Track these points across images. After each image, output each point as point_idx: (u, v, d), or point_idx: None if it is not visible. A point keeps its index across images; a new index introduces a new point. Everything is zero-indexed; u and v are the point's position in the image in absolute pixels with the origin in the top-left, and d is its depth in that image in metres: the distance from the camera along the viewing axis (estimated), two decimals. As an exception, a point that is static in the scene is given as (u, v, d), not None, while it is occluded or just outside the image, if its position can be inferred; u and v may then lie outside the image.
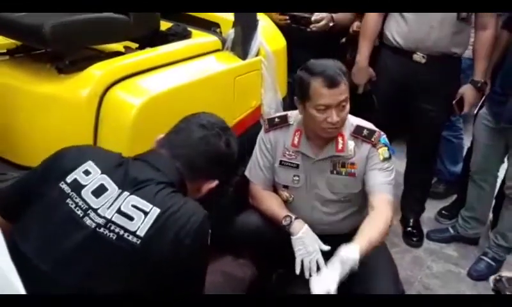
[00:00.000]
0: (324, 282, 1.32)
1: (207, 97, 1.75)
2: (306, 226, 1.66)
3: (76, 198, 1.08)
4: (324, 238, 1.76)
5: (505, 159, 2.30)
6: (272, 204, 1.75)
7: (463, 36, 2.23)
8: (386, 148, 1.67)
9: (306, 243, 1.62)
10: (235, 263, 2.07)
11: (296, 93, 1.65)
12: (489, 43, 2.22)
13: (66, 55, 1.59)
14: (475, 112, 2.45)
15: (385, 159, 1.66)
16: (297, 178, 1.74)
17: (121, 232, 1.04)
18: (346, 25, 2.53)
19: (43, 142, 1.51)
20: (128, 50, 1.79)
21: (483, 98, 2.36)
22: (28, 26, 1.49)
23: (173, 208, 1.08)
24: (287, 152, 1.73)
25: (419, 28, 2.17)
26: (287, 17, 2.37)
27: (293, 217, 1.67)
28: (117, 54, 1.73)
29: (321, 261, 1.57)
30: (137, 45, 1.83)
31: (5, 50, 1.73)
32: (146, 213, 1.06)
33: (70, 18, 1.51)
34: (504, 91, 2.11)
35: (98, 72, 1.52)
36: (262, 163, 1.78)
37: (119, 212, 1.06)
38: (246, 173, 1.83)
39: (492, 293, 1.70)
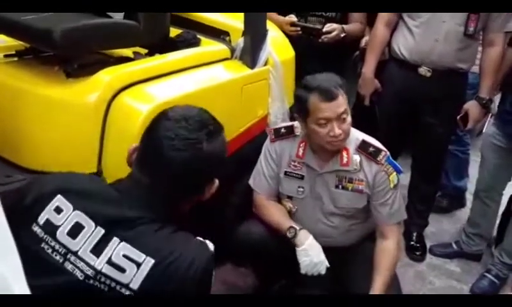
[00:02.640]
0: None
1: (214, 105, 1.71)
2: (311, 237, 1.66)
3: (51, 242, 0.98)
4: (326, 250, 1.77)
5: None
6: (276, 214, 1.75)
7: (469, 51, 2.23)
8: (395, 173, 1.68)
9: (311, 254, 1.62)
10: (236, 272, 2.06)
11: (296, 110, 1.66)
12: (496, 60, 2.22)
13: (75, 59, 1.59)
14: (484, 130, 2.44)
15: (395, 186, 1.69)
16: (301, 189, 1.74)
17: (113, 284, 0.95)
18: (357, 37, 2.54)
19: (49, 145, 1.50)
20: (137, 55, 1.79)
21: (491, 116, 2.36)
22: (38, 30, 1.49)
23: (170, 258, 0.97)
24: (292, 163, 1.73)
25: (424, 41, 2.18)
26: (298, 28, 2.38)
27: (298, 228, 1.67)
28: (126, 59, 1.74)
29: (324, 272, 1.57)
30: (146, 51, 1.83)
31: (14, 52, 1.73)
32: (138, 265, 0.96)
33: (80, 22, 1.52)
34: None
35: (106, 77, 1.51)
36: (267, 172, 1.77)
37: (109, 262, 0.96)
38: (250, 182, 1.83)
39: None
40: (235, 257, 1.99)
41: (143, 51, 1.83)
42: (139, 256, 0.96)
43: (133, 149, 1.12)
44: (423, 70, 2.23)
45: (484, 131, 2.53)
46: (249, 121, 1.95)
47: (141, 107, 1.48)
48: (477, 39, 2.24)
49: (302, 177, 1.73)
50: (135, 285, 0.95)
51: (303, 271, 1.62)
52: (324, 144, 1.62)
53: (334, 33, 2.36)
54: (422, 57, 2.21)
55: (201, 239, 1.07)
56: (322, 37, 2.37)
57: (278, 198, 1.82)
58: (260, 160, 1.80)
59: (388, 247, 1.68)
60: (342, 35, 2.39)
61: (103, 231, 0.99)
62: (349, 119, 1.59)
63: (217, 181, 1.13)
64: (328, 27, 2.37)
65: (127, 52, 1.81)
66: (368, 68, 2.35)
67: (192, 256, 1.00)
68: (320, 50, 2.35)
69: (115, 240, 0.98)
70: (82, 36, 1.53)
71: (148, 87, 1.57)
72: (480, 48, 2.30)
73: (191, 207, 1.13)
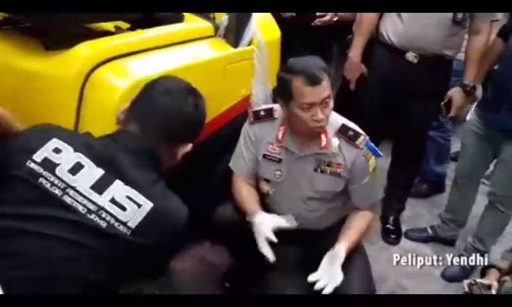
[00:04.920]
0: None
1: (196, 83, 1.70)
2: (261, 215, 1.64)
3: (51, 177, 1.05)
4: (303, 233, 1.79)
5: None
6: (245, 197, 1.74)
7: (457, 39, 2.24)
8: (374, 157, 1.70)
9: (260, 230, 1.59)
10: (213, 250, 2.09)
11: (279, 93, 1.65)
12: (481, 48, 2.23)
13: (54, 31, 1.56)
14: (467, 118, 2.46)
15: (374, 169, 1.71)
16: (279, 173, 1.75)
17: (112, 221, 1.04)
18: (350, 21, 2.52)
19: (26, 118, 1.47)
20: (118, 30, 1.76)
21: (474, 104, 2.38)
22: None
23: (166, 205, 1.10)
24: (271, 146, 1.73)
25: (413, 27, 2.17)
26: None
27: (256, 211, 1.66)
28: (107, 33, 1.71)
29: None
30: (128, 26, 1.80)
31: (-8, 21, 1.70)
32: (139, 206, 1.06)
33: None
34: (496, 99, 2.12)
35: (85, 51, 1.50)
36: (246, 155, 1.78)
37: (112, 201, 1.05)
38: (230, 164, 1.83)
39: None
40: (213, 236, 2.01)
41: (125, 26, 1.80)
42: (140, 198, 1.06)
43: (123, 110, 1.22)
44: (410, 56, 2.23)
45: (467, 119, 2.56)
46: (231, 101, 1.94)
47: (118, 83, 1.47)
48: (465, 26, 2.24)
49: (280, 160, 1.73)
50: (133, 224, 1.05)
51: (259, 247, 1.59)
52: (305, 129, 1.62)
53: (327, 17, 2.36)
54: (410, 43, 2.20)
55: None
56: (316, 21, 2.35)
57: (257, 180, 1.83)
58: (240, 143, 1.80)
59: (363, 213, 1.75)
60: (335, 19, 2.37)
61: (103, 171, 1.07)
62: (331, 103, 1.59)
63: (190, 146, 1.23)
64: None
65: (109, 26, 1.78)
66: (355, 52, 2.34)
67: (181, 209, 1.13)
68: (311, 32, 2.34)
69: (118, 182, 1.07)
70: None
71: (128, 62, 1.56)
72: (466, 36, 2.31)
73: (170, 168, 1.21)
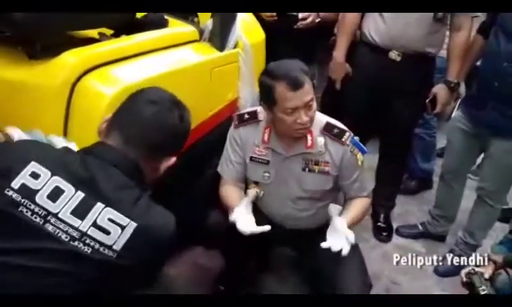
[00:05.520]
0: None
1: (182, 88, 1.70)
2: (238, 209, 1.63)
3: (31, 205, 1.00)
4: (295, 233, 1.79)
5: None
6: (233, 201, 1.73)
7: (438, 36, 2.27)
8: (360, 153, 1.71)
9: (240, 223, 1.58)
10: (205, 254, 2.08)
11: (262, 98, 1.65)
12: (463, 44, 2.27)
13: (38, 39, 1.54)
14: (453, 114, 2.50)
15: (362, 163, 1.72)
16: (267, 174, 1.75)
17: (97, 246, 1.01)
18: (332, 22, 2.54)
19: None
20: (103, 37, 1.75)
21: (459, 101, 2.41)
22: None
23: (148, 222, 1.06)
24: (257, 148, 1.73)
25: (395, 26, 2.21)
26: (274, 14, 2.36)
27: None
28: (91, 40, 1.69)
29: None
30: (112, 32, 1.79)
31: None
32: (123, 228, 1.03)
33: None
34: (481, 96, 2.15)
35: (71, 59, 1.47)
36: (233, 159, 1.78)
37: (95, 225, 1.02)
38: (218, 169, 1.83)
39: (461, 287, 1.71)
40: (206, 241, 2.00)
41: (109, 32, 1.79)
42: (123, 219, 1.04)
43: (105, 120, 1.18)
44: (393, 54, 2.26)
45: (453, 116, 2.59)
46: (219, 105, 1.94)
47: (105, 90, 1.46)
48: (446, 23, 2.28)
49: (267, 162, 1.73)
50: (118, 246, 1.02)
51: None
52: (290, 132, 1.63)
53: (309, 19, 2.37)
54: (393, 42, 2.24)
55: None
56: (298, 23, 2.37)
57: (246, 183, 1.82)
58: (226, 147, 1.80)
59: (360, 198, 1.77)
60: (317, 20, 2.39)
61: (83, 195, 1.04)
62: (314, 105, 1.60)
63: (173, 159, 1.21)
64: (304, 13, 2.37)
65: (93, 33, 1.77)
66: (339, 52, 2.36)
67: (166, 222, 1.11)
68: (296, 36, 2.36)
69: (99, 205, 1.04)
70: (45, 16, 1.48)
71: (114, 69, 1.54)
72: (448, 33, 2.35)
73: (153, 181, 1.19)
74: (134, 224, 1.04)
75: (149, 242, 1.06)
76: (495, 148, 2.18)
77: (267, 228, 1.56)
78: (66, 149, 1.15)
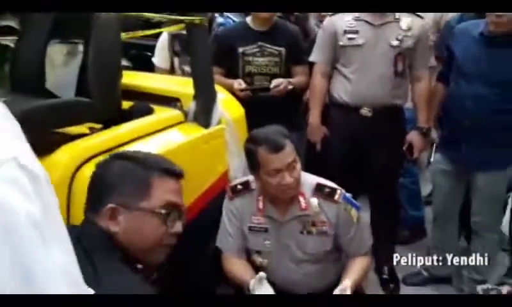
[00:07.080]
0: None
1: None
2: (257, 277, 1.64)
3: None
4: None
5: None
6: (239, 272, 1.73)
7: (402, 89, 2.45)
8: (354, 209, 1.74)
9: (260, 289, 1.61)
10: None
11: (248, 165, 1.72)
12: (425, 92, 2.45)
13: (31, 139, 1.57)
14: (431, 159, 2.61)
15: (358, 219, 1.75)
16: (268, 242, 1.75)
17: None
18: (303, 89, 2.68)
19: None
20: (93, 130, 1.81)
21: (434, 145, 2.53)
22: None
23: None
24: (254, 217, 1.75)
25: (361, 85, 2.37)
26: (248, 91, 2.49)
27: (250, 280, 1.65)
28: (82, 136, 1.74)
29: None
30: (101, 126, 1.85)
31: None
32: None
33: (36, 103, 1.53)
34: (455, 136, 2.29)
35: (65, 156, 1.52)
36: (231, 231, 1.78)
37: None
38: (217, 243, 1.82)
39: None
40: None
41: (98, 126, 1.85)
42: None
43: None
44: (364, 111, 2.39)
45: (431, 161, 2.70)
46: (211, 180, 1.98)
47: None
48: (406, 77, 2.46)
49: (266, 230, 1.75)
50: None
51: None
52: (277, 193, 1.67)
53: (282, 86, 2.49)
54: (362, 100, 2.38)
55: None
56: (272, 91, 2.49)
57: (248, 254, 1.82)
58: (223, 220, 1.81)
59: (360, 258, 1.77)
60: (290, 87, 2.53)
61: None
62: (298, 166, 1.66)
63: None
64: (275, 82, 2.50)
65: (83, 129, 1.82)
66: (314, 117, 2.50)
67: None
68: (269, 104, 2.47)
69: None
70: (40, 116, 1.54)
71: (109, 157, 1.58)
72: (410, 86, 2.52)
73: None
74: None
75: None
76: (481, 181, 2.26)
77: None
78: None
